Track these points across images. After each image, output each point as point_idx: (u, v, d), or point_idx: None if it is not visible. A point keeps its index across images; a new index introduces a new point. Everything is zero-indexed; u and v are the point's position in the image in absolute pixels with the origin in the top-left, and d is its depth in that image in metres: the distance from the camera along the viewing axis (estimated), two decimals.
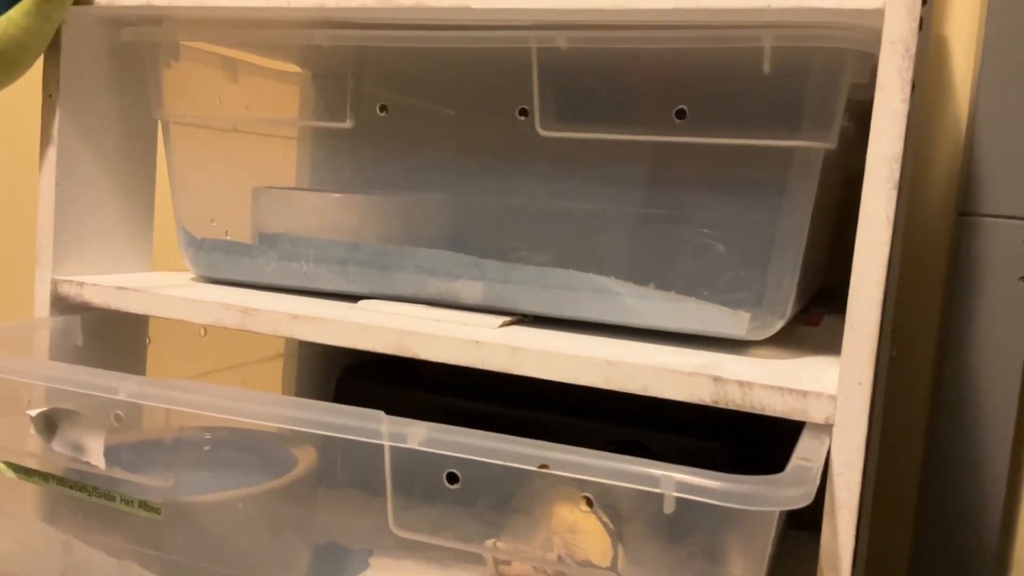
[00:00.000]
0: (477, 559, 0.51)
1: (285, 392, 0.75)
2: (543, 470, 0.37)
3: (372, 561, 0.55)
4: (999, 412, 0.84)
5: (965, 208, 0.84)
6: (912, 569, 0.87)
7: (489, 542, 0.48)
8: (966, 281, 0.84)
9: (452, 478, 0.40)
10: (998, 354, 0.84)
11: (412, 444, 0.39)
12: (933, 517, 0.86)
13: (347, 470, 0.43)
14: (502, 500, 0.39)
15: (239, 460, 0.57)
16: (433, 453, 0.39)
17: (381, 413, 0.40)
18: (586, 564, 0.46)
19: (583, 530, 0.47)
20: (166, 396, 0.43)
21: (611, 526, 0.46)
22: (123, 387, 0.43)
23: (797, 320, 0.62)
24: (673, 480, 0.35)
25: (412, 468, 0.40)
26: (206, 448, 0.57)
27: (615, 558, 0.46)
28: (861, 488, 0.43)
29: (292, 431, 0.51)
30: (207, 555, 0.48)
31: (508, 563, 0.51)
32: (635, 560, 0.45)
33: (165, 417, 0.45)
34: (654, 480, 0.35)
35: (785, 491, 0.35)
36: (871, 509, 0.87)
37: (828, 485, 0.43)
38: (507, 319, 0.53)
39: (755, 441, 0.55)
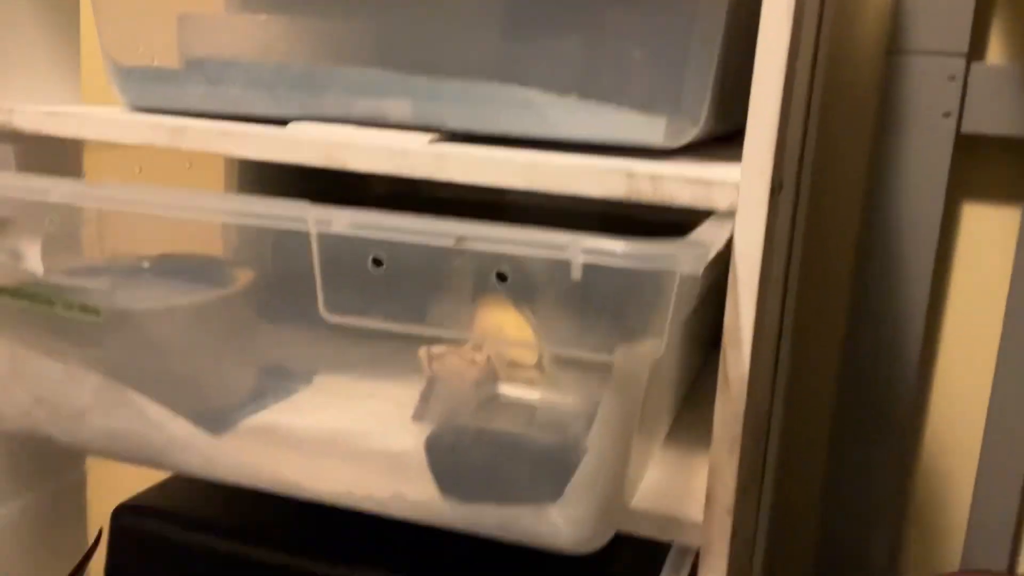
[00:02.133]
0: (413, 369, 0.54)
1: None
2: (459, 246, 0.40)
3: (316, 379, 0.58)
4: (921, 247, 0.88)
5: (893, 46, 0.86)
6: (835, 413, 0.93)
7: (423, 348, 0.51)
8: (893, 117, 0.87)
9: (377, 262, 0.42)
10: (922, 190, 0.87)
11: (337, 229, 0.41)
12: (856, 358, 0.92)
13: (278, 265, 0.45)
14: (426, 282, 0.42)
15: (177, 282, 0.59)
16: (357, 237, 0.41)
17: (306, 202, 0.42)
18: (514, 364, 0.49)
19: (511, 328, 0.50)
20: (98, 195, 0.44)
21: (536, 326, 0.49)
22: (55, 189, 0.44)
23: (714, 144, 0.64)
24: (580, 246, 0.38)
25: (338, 254, 0.42)
26: (144, 265, 0.58)
27: (541, 356, 0.49)
28: (760, 271, 0.46)
29: (230, 256, 0.53)
30: (150, 358, 0.50)
31: (440, 359, 0.54)
32: (557, 360, 0.48)
33: (97, 219, 0.46)
34: (562, 247, 0.38)
35: (683, 252, 0.37)
36: (794, 353, 0.92)
37: (731, 270, 0.46)
38: (435, 135, 0.54)
39: None
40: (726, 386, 0.47)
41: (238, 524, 0.63)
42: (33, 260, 0.47)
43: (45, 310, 0.48)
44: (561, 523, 0.43)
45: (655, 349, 0.41)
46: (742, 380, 0.46)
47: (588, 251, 0.38)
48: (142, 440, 0.49)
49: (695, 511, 0.49)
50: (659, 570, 0.52)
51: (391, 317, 0.43)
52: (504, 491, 0.44)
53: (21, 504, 0.63)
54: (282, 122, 0.57)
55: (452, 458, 0.45)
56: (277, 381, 0.57)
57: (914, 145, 0.87)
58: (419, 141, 0.53)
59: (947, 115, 0.86)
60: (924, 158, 0.87)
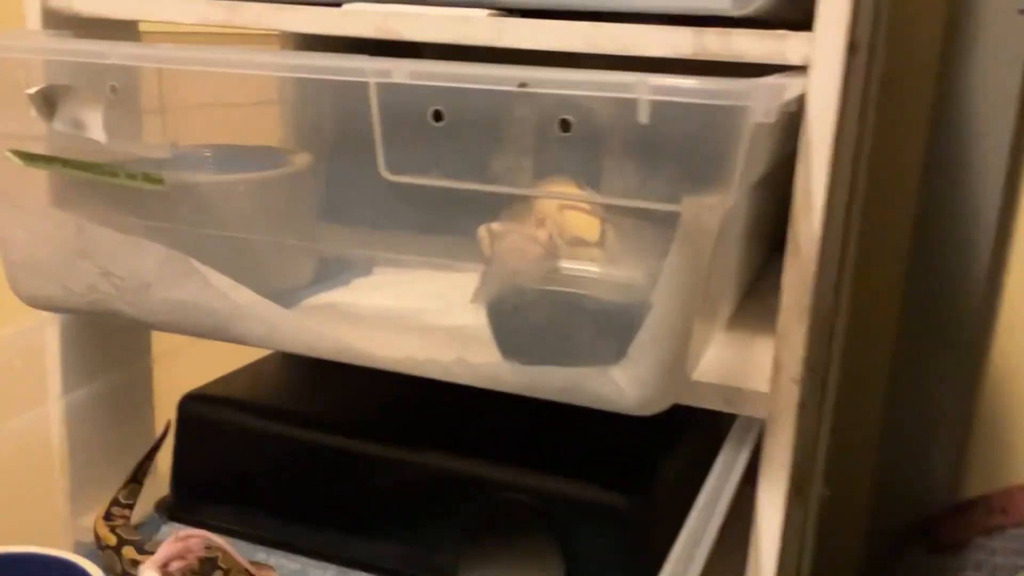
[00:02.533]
0: (474, 256, 0.53)
1: None
2: (523, 89, 0.39)
3: (375, 269, 0.58)
4: (994, 146, 0.85)
5: None
6: (901, 320, 0.91)
7: (483, 226, 0.50)
8: (965, 13, 0.83)
9: (437, 116, 0.41)
10: (994, 87, 0.84)
11: (397, 79, 0.40)
12: (924, 263, 0.89)
13: (338, 124, 0.44)
14: (488, 135, 0.41)
15: (238, 165, 0.59)
16: (418, 86, 0.40)
17: (364, 56, 0.41)
18: (576, 241, 0.49)
19: (573, 210, 0.49)
20: (158, 55, 0.44)
21: (598, 207, 0.48)
22: (114, 51, 0.44)
23: None
24: (648, 83, 0.36)
25: (398, 107, 0.41)
26: (206, 154, 0.59)
27: (603, 234, 0.48)
28: (835, 131, 0.44)
29: (289, 142, 0.53)
30: (213, 232, 0.50)
31: (502, 237, 0.53)
32: (620, 238, 0.47)
33: (158, 81, 0.46)
34: (629, 86, 0.37)
35: (757, 89, 0.36)
36: (860, 252, 0.90)
37: (802, 134, 0.45)
38: (493, 12, 0.53)
39: None
40: (796, 251, 0.45)
41: (301, 411, 0.64)
42: (95, 129, 0.47)
43: (108, 181, 0.49)
44: (624, 383, 0.43)
45: (725, 199, 0.39)
46: (813, 245, 0.45)
47: (657, 89, 0.36)
48: (206, 310, 0.49)
49: (761, 384, 0.48)
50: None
51: (452, 174, 0.42)
52: (567, 352, 0.43)
53: (87, 393, 0.64)
54: (336, 4, 0.56)
55: (514, 320, 0.45)
56: (336, 269, 0.57)
57: (988, 39, 0.83)
58: (477, 13, 0.52)
59: (1021, 12, 0.82)
60: (998, 51, 0.83)
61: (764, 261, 0.73)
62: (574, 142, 0.39)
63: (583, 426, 0.62)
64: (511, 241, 0.54)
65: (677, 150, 0.38)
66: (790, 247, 0.46)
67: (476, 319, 0.49)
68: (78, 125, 0.48)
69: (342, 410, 0.64)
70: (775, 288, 0.64)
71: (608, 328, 0.42)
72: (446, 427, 0.62)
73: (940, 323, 0.90)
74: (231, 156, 0.60)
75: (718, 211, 0.40)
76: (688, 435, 0.63)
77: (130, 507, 0.61)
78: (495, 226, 0.50)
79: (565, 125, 0.39)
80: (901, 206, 0.90)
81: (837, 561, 0.98)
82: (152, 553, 0.53)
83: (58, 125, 0.48)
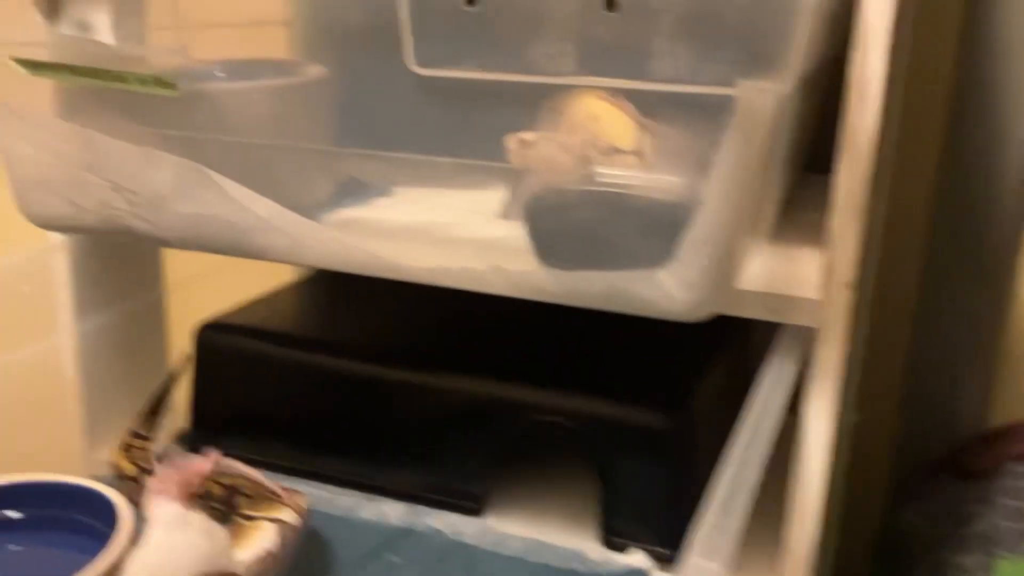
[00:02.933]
0: (501, 174, 0.51)
1: None
2: None
3: (394, 190, 0.55)
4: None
5: None
6: (929, 243, 0.88)
7: (513, 136, 0.47)
8: None
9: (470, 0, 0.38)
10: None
11: None
12: (954, 187, 0.86)
13: (363, 15, 0.42)
14: (525, 19, 0.38)
15: (250, 76, 0.56)
16: None
17: None
18: (611, 150, 0.46)
19: (605, 117, 0.46)
20: None
21: (634, 111, 0.46)
22: None
23: None
24: None
25: None
26: (218, 73, 0.56)
27: (640, 140, 0.46)
28: (893, 19, 0.41)
29: (301, 55, 0.50)
30: (229, 144, 0.48)
31: (533, 147, 0.51)
32: (658, 144, 0.44)
33: None
34: None
35: None
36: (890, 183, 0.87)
37: (859, 18, 0.42)
38: None
39: None
40: (851, 143, 0.43)
41: (324, 338, 0.62)
42: (103, 31, 0.44)
43: (118, 86, 0.46)
44: (672, 286, 0.40)
45: (782, 83, 0.37)
46: (870, 136, 0.42)
47: None
48: (225, 224, 0.47)
49: (809, 291, 0.46)
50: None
51: (487, 65, 0.39)
52: (610, 255, 0.41)
53: (100, 322, 0.62)
54: None
55: (554, 223, 0.42)
56: (354, 188, 0.54)
57: None
58: None
59: None
60: None
61: (797, 180, 0.71)
62: (621, 22, 0.37)
63: (614, 345, 0.60)
64: (544, 150, 0.51)
65: (733, 28, 0.35)
66: (844, 141, 0.43)
67: (508, 232, 0.47)
68: (85, 27, 0.45)
69: (365, 336, 0.62)
70: (810, 206, 0.61)
71: (655, 228, 0.40)
72: (472, 350, 0.60)
73: (969, 249, 0.88)
74: (242, 69, 0.57)
75: (774, 97, 0.37)
76: (721, 351, 0.61)
77: (149, 439, 0.59)
78: (526, 135, 0.48)
79: (611, 3, 0.37)
80: (929, 130, 0.87)
81: (863, 489, 0.96)
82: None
83: (64, 28, 0.45)
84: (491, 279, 0.44)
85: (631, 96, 0.39)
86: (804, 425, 0.46)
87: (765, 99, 0.37)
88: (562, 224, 0.42)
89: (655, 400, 0.54)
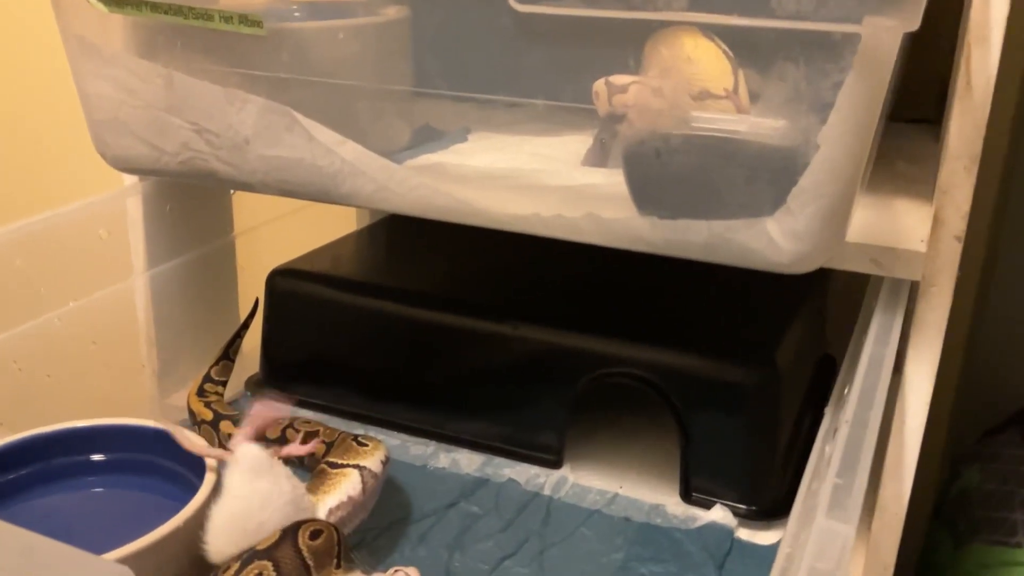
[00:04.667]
0: (586, 118, 0.49)
1: None
2: None
3: (471, 137, 0.54)
4: None
5: None
6: (1000, 195, 0.85)
7: (599, 81, 0.46)
8: None
9: None
10: None
11: None
12: None
13: None
14: None
15: (334, 14, 0.54)
16: None
17: None
18: (703, 95, 0.44)
19: (700, 59, 0.44)
20: None
21: (730, 53, 0.44)
22: None
23: None
24: None
25: None
26: (295, 13, 0.54)
27: (736, 84, 0.44)
28: None
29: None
30: (314, 85, 0.46)
31: (624, 91, 0.49)
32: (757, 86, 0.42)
33: None
34: None
35: None
36: None
37: None
38: None
39: None
40: (968, 92, 0.40)
41: (397, 286, 0.61)
42: None
43: (201, 24, 0.45)
44: (779, 236, 0.39)
45: (908, 20, 0.35)
46: (988, 84, 0.40)
47: None
48: (310, 168, 0.46)
49: (915, 244, 0.44)
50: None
51: (590, 0, 0.37)
52: (714, 203, 0.39)
53: (173, 265, 0.62)
54: None
55: (654, 169, 0.41)
56: (432, 135, 0.53)
57: None
58: None
59: None
60: None
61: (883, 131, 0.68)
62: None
63: (698, 297, 0.59)
64: (634, 94, 0.49)
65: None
66: (960, 86, 0.41)
67: (601, 179, 0.45)
68: None
69: (440, 284, 0.61)
70: (895, 155, 0.59)
71: (764, 174, 0.38)
72: (547, 301, 0.59)
73: None
74: (323, 8, 0.56)
75: (899, 35, 0.35)
76: (804, 304, 0.59)
77: (223, 383, 0.59)
78: (616, 79, 0.46)
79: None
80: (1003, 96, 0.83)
81: (924, 448, 0.95)
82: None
83: None
84: (585, 227, 0.43)
85: (747, 34, 0.37)
86: (905, 381, 0.45)
87: (892, 38, 0.35)
88: (663, 171, 0.40)
89: (740, 355, 0.52)
